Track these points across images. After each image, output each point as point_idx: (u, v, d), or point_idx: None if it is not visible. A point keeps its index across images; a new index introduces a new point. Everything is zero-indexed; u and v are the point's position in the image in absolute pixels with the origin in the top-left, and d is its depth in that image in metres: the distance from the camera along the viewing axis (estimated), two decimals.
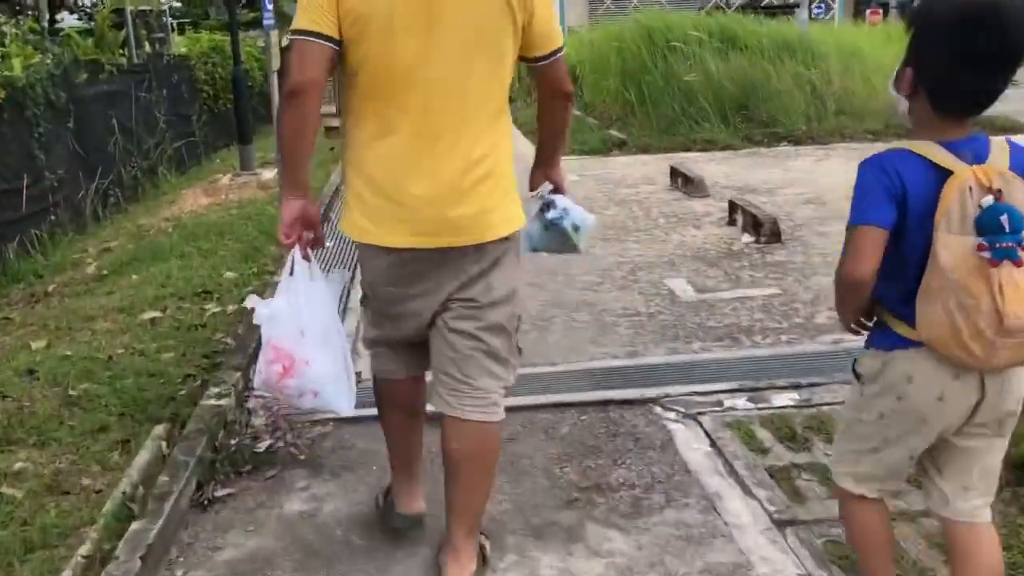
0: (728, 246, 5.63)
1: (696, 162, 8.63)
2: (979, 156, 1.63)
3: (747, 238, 5.71)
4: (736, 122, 10.04)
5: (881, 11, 21.62)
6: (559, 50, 2.09)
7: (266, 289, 4.42)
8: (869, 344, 1.85)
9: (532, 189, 2.34)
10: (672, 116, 10.33)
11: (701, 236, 5.90)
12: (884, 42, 15.18)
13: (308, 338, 2.14)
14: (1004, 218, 1.56)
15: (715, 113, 10.05)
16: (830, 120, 10.00)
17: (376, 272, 2.17)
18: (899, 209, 1.64)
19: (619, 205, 6.95)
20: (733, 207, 6.16)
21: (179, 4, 21.13)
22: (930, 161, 1.63)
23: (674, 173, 7.58)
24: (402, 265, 2.09)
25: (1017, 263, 1.56)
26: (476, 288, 2.11)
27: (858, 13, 21.80)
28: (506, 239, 2.10)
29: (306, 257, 2.15)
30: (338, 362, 2.22)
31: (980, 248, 1.57)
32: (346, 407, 2.27)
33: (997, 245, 1.56)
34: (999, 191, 1.58)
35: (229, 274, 5.12)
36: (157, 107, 9.99)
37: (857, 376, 1.86)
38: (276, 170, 7.43)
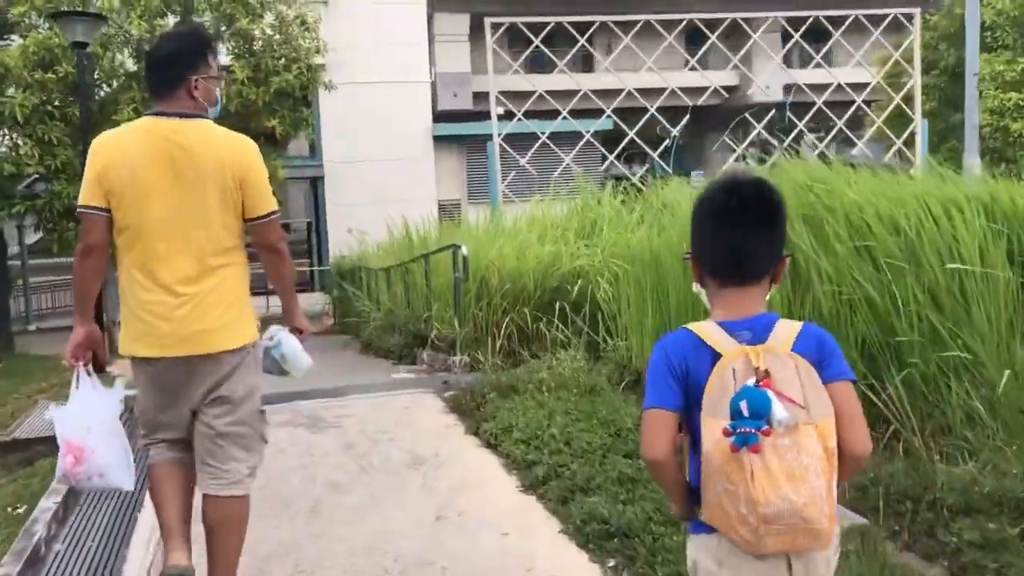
0: None
1: None
2: (759, 336, 1.63)
3: None
4: None
5: None
6: (266, 215, 2.83)
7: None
8: (688, 531, 1.77)
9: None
10: None
11: None
12: None
13: (93, 433, 2.77)
14: (743, 404, 1.52)
15: None
16: None
17: (143, 380, 2.83)
18: (684, 390, 1.64)
19: None
20: None
21: None
22: (706, 342, 1.63)
23: None
24: (159, 373, 2.78)
25: (754, 449, 1.50)
26: (221, 390, 2.79)
27: None
28: (238, 350, 2.79)
29: (89, 372, 2.83)
30: (119, 450, 2.83)
31: (725, 433, 1.53)
32: (128, 485, 2.89)
33: (738, 430, 1.52)
34: (766, 372, 1.55)
35: None
36: None
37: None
38: None
